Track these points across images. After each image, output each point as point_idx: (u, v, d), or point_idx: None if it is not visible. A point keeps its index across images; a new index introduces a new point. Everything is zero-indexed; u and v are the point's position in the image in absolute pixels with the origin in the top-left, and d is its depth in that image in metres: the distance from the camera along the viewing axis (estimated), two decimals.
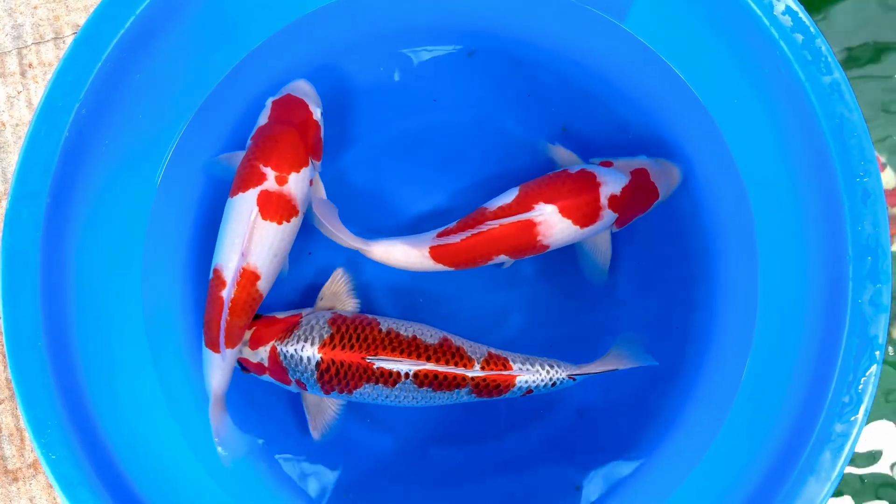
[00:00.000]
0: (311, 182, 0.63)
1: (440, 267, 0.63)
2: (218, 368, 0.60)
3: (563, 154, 0.69)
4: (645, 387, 0.68)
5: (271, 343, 0.62)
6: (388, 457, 0.70)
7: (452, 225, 0.64)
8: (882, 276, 0.52)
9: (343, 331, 0.61)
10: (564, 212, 0.62)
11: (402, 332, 0.62)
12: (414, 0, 0.68)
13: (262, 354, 0.62)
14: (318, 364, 0.61)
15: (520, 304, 0.72)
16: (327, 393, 0.62)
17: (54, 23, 0.81)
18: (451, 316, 0.71)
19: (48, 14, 0.81)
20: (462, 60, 0.71)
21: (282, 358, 0.61)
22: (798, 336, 0.57)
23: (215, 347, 0.60)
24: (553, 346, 0.72)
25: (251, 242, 0.59)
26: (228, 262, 0.60)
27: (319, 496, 0.67)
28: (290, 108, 0.63)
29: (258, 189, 0.60)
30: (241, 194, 0.60)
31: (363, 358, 0.60)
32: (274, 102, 0.64)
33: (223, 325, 0.60)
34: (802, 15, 0.55)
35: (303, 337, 0.61)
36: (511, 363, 0.62)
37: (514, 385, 0.62)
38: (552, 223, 0.62)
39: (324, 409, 0.64)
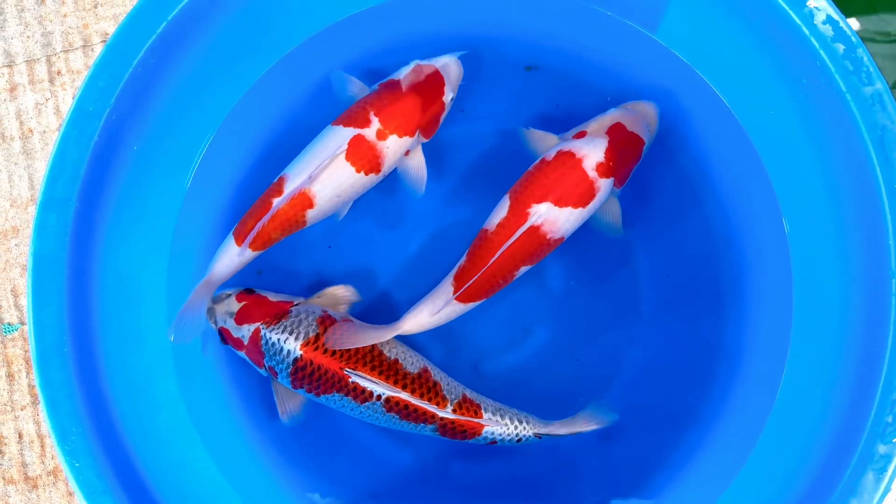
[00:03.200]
0: (406, 152, 0.64)
1: (472, 305, 0.63)
2: (229, 258, 0.61)
3: (538, 137, 0.67)
4: (674, 403, 0.66)
5: (257, 324, 0.61)
6: (409, 471, 0.69)
7: (463, 261, 0.63)
8: None
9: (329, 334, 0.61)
10: (560, 202, 0.61)
11: (385, 352, 0.61)
12: (441, 9, 0.67)
13: (244, 332, 0.62)
14: (296, 360, 0.60)
15: (545, 319, 0.71)
16: (295, 388, 0.62)
17: (83, 31, 0.81)
18: (479, 330, 0.71)
19: (77, 22, 0.81)
20: (489, 70, 0.70)
21: (263, 342, 0.61)
22: (836, 353, 0.55)
23: (239, 240, 0.60)
24: (579, 361, 0.71)
25: (323, 172, 0.60)
26: (296, 177, 0.61)
27: None
28: (427, 79, 0.64)
29: (357, 131, 0.61)
30: (341, 127, 0.61)
31: (341, 368, 0.60)
32: (418, 66, 0.64)
33: (258, 227, 0.60)
34: (843, 24, 0.53)
35: (289, 328, 0.61)
36: (483, 411, 0.62)
37: (479, 434, 0.62)
38: (553, 218, 0.61)
39: (292, 398, 0.63)
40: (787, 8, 0.54)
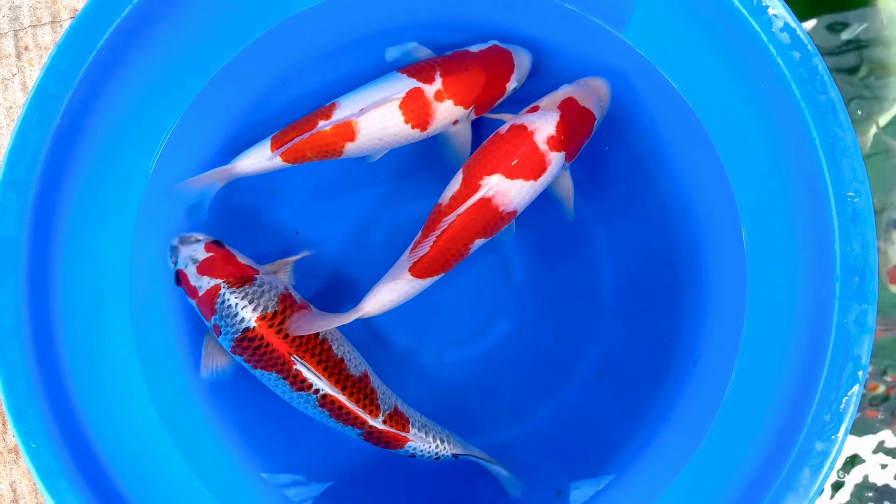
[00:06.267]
0: (455, 122, 0.65)
1: (430, 280, 0.63)
2: (258, 158, 0.63)
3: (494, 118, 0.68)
4: (630, 395, 0.68)
5: (218, 281, 0.60)
6: (372, 455, 0.69)
7: (418, 236, 0.63)
8: (868, 297, 0.53)
9: (286, 315, 0.61)
10: (510, 174, 0.61)
11: (334, 348, 0.61)
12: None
13: (203, 283, 0.61)
14: (247, 329, 0.60)
15: (508, 310, 0.72)
16: (233, 353, 0.61)
17: (52, 6, 0.81)
18: (441, 320, 0.71)
19: None
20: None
21: (219, 300, 0.60)
22: (783, 352, 0.57)
23: (274, 146, 0.62)
24: (539, 351, 0.72)
25: (373, 110, 0.62)
26: (346, 107, 0.62)
27: (299, 495, 0.67)
28: (497, 61, 0.65)
29: (418, 84, 0.63)
30: (405, 76, 0.63)
31: (289, 353, 0.60)
32: (495, 46, 0.66)
33: (296, 140, 0.62)
34: (800, 32, 0.55)
35: (250, 297, 0.60)
36: (410, 426, 0.63)
37: (402, 447, 0.62)
38: (505, 190, 0.61)
39: (221, 356, 0.63)
40: (747, 14, 0.55)
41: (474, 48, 0.66)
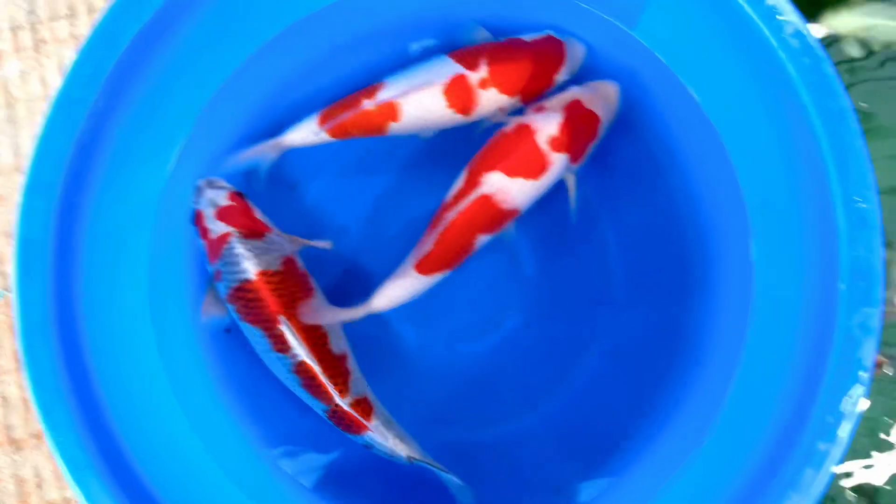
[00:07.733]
0: (500, 109, 0.65)
1: (437, 276, 0.64)
2: (306, 131, 0.64)
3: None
4: (631, 392, 0.69)
5: (231, 228, 0.62)
6: None
7: (424, 233, 0.64)
8: (873, 301, 0.53)
9: (286, 277, 0.62)
10: (510, 172, 0.62)
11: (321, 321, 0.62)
12: None
13: (216, 227, 0.62)
14: (244, 280, 0.61)
15: (517, 303, 0.73)
16: (227, 301, 0.63)
17: None
18: (450, 314, 0.73)
19: None
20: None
21: (227, 247, 0.62)
22: (787, 353, 0.57)
23: (321, 121, 0.64)
24: (548, 343, 0.73)
25: (417, 93, 0.63)
26: (392, 87, 0.63)
27: (315, 480, 0.68)
28: (548, 52, 0.65)
29: (463, 71, 0.63)
30: (451, 60, 0.64)
31: (278, 313, 0.61)
32: (549, 36, 0.66)
33: (343, 117, 0.63)
34: (810, 38, 0.55)
35: (256, 250, 0.61)
36: (374, 416, 0.63)
37: (362, 433, 0.63)
38: (506, 188, 0.62)
39: (222, 305, 0.64)
40: (757, 19, 0.56)
41: (527, 37, 0.66)
